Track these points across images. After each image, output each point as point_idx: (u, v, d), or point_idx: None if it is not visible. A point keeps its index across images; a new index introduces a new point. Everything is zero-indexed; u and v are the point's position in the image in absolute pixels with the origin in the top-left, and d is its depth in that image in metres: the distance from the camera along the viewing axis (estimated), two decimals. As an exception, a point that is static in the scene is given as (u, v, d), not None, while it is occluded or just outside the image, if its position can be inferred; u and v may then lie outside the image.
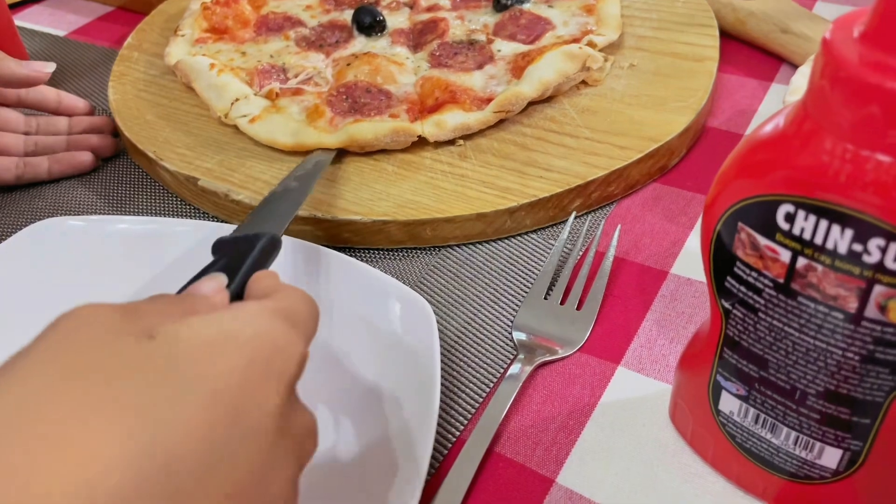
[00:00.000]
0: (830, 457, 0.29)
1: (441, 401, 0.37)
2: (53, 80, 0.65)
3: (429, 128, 0.49)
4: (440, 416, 0.37)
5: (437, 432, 0.36)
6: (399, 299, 0.39)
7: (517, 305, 0.42)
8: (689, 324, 0.41)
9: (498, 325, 0.41)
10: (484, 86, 0.53)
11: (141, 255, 0.43)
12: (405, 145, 0.49)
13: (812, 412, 0.28)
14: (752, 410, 0.31)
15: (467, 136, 0.50)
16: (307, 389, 0.37)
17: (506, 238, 0.47)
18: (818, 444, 0.29)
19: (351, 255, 0.45)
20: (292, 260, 0.41)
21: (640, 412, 0.37)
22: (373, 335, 0.38)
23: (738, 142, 0.54)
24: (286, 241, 0.42)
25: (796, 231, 0.25)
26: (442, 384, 0.38)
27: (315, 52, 0.58)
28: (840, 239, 0.24)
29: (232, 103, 0.52)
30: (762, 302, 0.27)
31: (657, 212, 0.48)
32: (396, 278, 0.44)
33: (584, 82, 0.55)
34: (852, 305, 0.25)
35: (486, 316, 0.42)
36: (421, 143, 0.50)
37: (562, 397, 0.38)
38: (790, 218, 0.25)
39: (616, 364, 0.39)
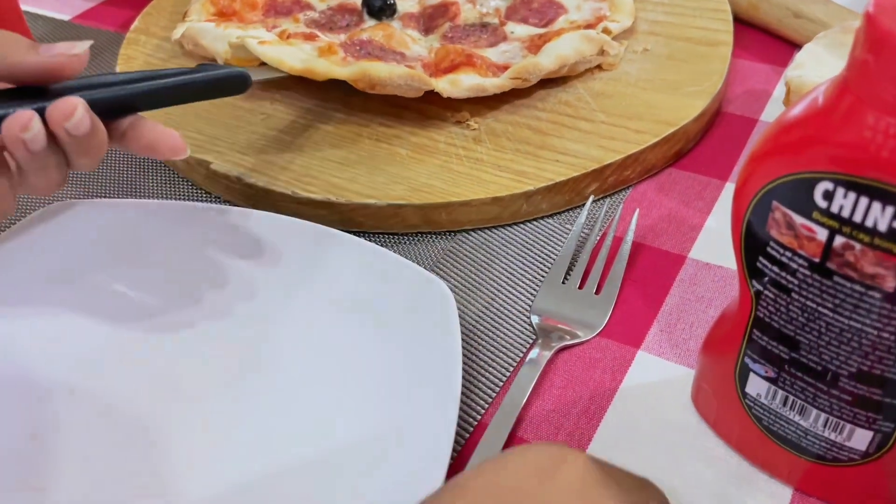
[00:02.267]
0: (860, 439, 0.29)
1: (462, 384, 0.37)
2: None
3: (443, 84, 0.48)
4: (461, 401, 0.36)
5: (459, 416, 0.36)
6: (417, 282, 0.38)
7: (535, 290, 0.42)
8: (710, 308, 0.41)
9: (516, 309, 0.41)
10: (499, 59, 0.52)
11: (152, 238, 0.42)
12: (417, 94, 0.48)
13: (843, 394, 0.28)
14: (780, 393, 0.30)
15: (482, 119, 0.50)
16: (331, 374, 0.37)
17: (522, 222, 0.46)
18: (848, 426, 0.29)
19: (366, 240, 0.45)
20: (308, 244, 0.41)
21: (662, 396, 0.37)
22: (392, 319, 0.38)
23: (753, 127, 0.54)
24: (300, 224, 0.41)
25: (835, 209, 0.25)
26: (463, 368, 0.38)
27: (326, 33, 0.58)
28: (881, 216, 0.24)
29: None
30: (796, 282, 0.27)
31: (674, 196, 0.48)
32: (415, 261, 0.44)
33: (598, 67, 0.54)
34: (890, 284, 0.25)
35: (504, 300, 0.42)
36: (433, 126, 0.49)
37: (582, 382, 0.37)
38: (829, 196, 0.24)
39: (636, 348, 0.39)
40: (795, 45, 0.60)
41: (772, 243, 0.27)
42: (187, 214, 0.43)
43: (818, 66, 0.50)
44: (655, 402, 0.36)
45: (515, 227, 0.46)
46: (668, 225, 0.46)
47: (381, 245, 0.45)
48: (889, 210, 0.23)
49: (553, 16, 0.57)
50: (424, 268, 0.43)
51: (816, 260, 0.26)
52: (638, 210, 0.45)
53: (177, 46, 0.59)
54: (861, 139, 0.23)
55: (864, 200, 0.24)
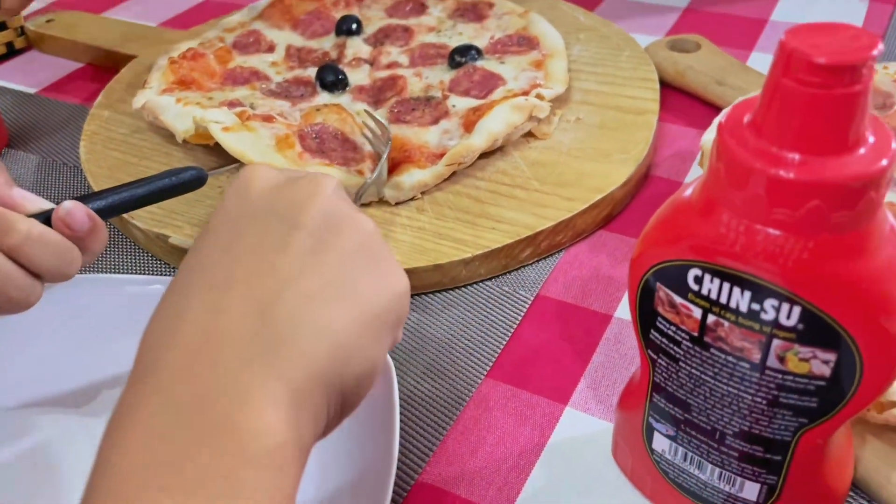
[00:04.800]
0: (751, 490, 0.32)
1: (400, 445, 0.40)
2: (26, 140, 0.67)
3: (389, 191, 0.52)
4: (399, 460, 0.39)
5: (397, 475, 0.38)
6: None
7: (473, 351, 0.45)
8: (631, 365, 0.44)
9: (456, 368, 0.44)
10: (438, 141, 0.56)
11: (116, 313, 0.45)
12: (371, 199, 0.52)
13: (731, 450, 0.32)
14: (680, 449, 0.34)
15: (425, 191, 0.53)
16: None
17: (462, 286, 0.50)
18: (739, 479, 0.32)
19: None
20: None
21: (587, 451, 0.40)
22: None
23: (678, 188, 0.58)
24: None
25: (704, 292, 0.28)
26: (402, 429, 0.41)
27: (281, 101, 0.61)
28: (741, 299, 0.27)
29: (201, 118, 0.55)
30: (681, 352, 0.31)
31: (603, 257, 0.51)
32: (359, 328, 0.47)
33: (534, 136, 0.58)
34: (756, 356, 0.28)
35: (445, 361, 0.45)
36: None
37: (514, 437, 0.40)
38: (698, 280, 0.28)
39: (564, 405, 0.42)
40: (720, 110, 0.64)
41: (659, 318, 0.31)
42: (150, 290, 0.46)
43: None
44: (580, 456, 0.39)
45: (456, 290, 0.49)
46: (597, 285, 0.49)
47: (331, 311, 0.48)
48: (747, 294, 0.27)
49: (492, 87, 0.61)
50: (370, 332, 0.46)
51: (695, 334, 0.30)
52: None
53: (138, 120, 0.62)
54: (719, 234, 0.27)
55: (726, 285, 0.27)
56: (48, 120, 0.69)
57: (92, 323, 0.45)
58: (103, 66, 0.76)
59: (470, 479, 0.39)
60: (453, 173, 0.55)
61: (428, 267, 0.48)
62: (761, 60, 0.71)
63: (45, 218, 0.37)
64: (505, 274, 0.50)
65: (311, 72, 0.65)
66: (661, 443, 0.34)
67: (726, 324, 0.28)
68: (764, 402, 0.29)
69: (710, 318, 0.29)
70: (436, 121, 0.58)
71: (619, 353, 0.45)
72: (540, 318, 0.47)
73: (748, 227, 0.26)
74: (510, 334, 0.46)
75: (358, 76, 0.65)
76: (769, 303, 0.27)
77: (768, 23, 0.77)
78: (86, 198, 0.39)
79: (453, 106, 0.60)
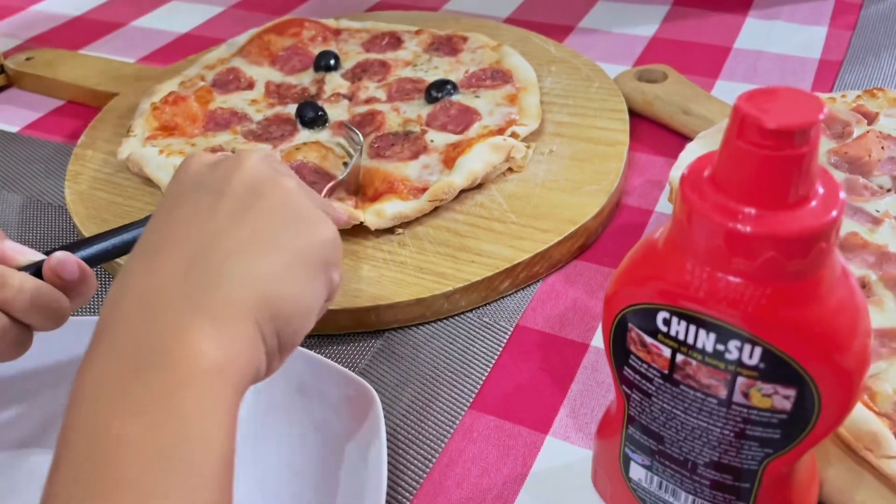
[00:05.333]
0: (722, 515, 0.34)
1: (388, 479, 0.41)
2: (9, 180, 0.67)
3: (370, 217, 0.54)
4: (388, 494, 0.41)
5: (386, 510, 0.40)
6: (346, 386, 0.43)
7: (456, 383, 0.47)
8: (609, 393, 0.46)
9: (441, 399, 0.46)
10: (419, 175, 0.58)
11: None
12: (348, 226, 0.54)
13: (703, 479, 0.33)
14: (655, 478, 0.35)
15: (406, 225, 0.55)
16: (263, 476, 0.41)
17: (443, 319, 0.51)
18: (711, 505, 0.34)
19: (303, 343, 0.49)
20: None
21: (567, 479, 0.41)
22: (321, 423, 0.42)
23: (649, 217, 0.60)
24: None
25: (672, 333, 0.30)
26: (389, 460, 0.42)
27: (262, 143, 0.63)
28: (706, 341, 0.29)
29: None
30: (653, 388, 0.32)
31: (579, 287, 0.53)
32: (344, 361, 0.48)
33: (510, 169, 0.60)
34: (722, 393, 0.30)
35: (429, 394, 0.46)
36: (364, 232, 0.55)
37: (497, 469, 0.42)
38: (667, 322, 0.30)
39: (545, 434, 0.44)
40: (687, 138, 0.67)
41: (632, 356, 0.32)
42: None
43: (698, 166, 0.57)
44: (561, 485, 0.41)
45: (438, 323, 0.51)
46: (574, 314, 0.51)
47: (319, 345, 0.50)
48: (712, 336, 0.29)
49: (469, 122, 0.63)
50: (359, 365, 0.48)
51: (666, 372, 0.31)
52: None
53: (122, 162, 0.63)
54: (683, 280, 0.29)
55: (692, 327, 0.29)
56: (31, 159, 0.69)
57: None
58: (84, 103, 0.77)
59: (456, 511, 0.40)
60: (435, 208, 0.56)
61: (410, 301, 0.49)
62: (726, 88, 0.73)
63: (36, 269, 0.38)
64: (485, 305, 0.52)
65: (291, 108, 0.66)
66: (637, 472, 0.36)
67: (694, 363, 0.30)
68: (731, 434, 0.31)
69: (679, 358, 0.30)
70: (415, 155, 0.60)
71: (596, 381, 0.47)
72: (520, 348, 0.49)
73: (710, 274, 0.28)
74: (492, 365, 0.48)
75: (337, 111, 0.66)
76: (732, 344, 0.29)
77: (732, 50, 0.80)
78: (74, 246, 0.40)
79: (432, 141, 0.61)
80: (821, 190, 0.27)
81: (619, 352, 0.33)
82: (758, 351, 0.28)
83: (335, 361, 0.48)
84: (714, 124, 0.63)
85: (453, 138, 0.61)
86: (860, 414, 0.38)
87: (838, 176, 0.54)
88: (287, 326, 0.33)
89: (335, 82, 0.70)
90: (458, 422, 0.44)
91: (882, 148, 0.56)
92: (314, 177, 0.57)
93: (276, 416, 0.43)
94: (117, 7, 0.98)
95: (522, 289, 0.53)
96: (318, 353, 0.48)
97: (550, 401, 0.45)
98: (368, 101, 0.67)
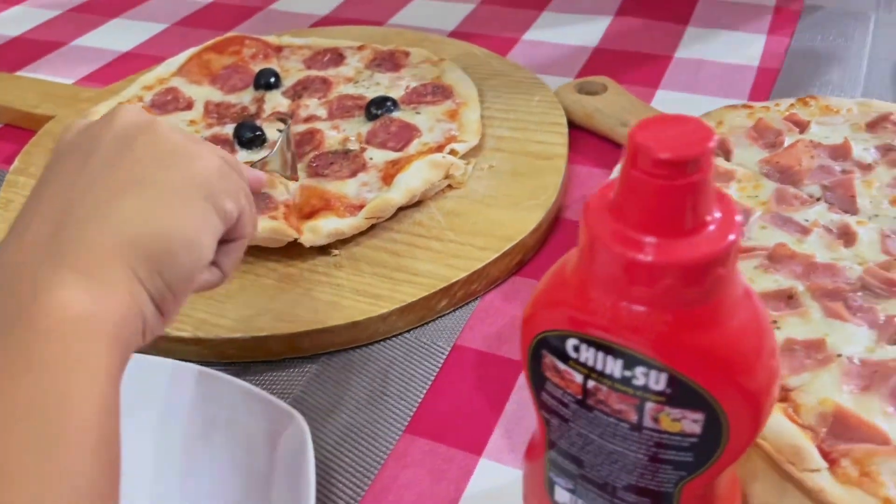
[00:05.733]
0: (645, 537, 0.34)
1: (322, 500, 0.41)
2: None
3: (305, 234, 0.53)
4: (319, 524, 0.40)
5: (316, 541, 0.39)
6: (274, 415, 0.42)
7: (392, 406, 0.46)
8: (543, 412, 0.46)
9: (375, 426, 0.45)
10: (357, 193, 0.57)
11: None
12: (280, 244, 0.53)
13: (623, 501, 0.33)
14: (580, 501, 0.35)
15: (342, 245, 0.55)
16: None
17: (381, 340, 0.51)
18: (633, 527, 0.34)
19: (236, 368, 0.48)
20: (169, 383, 0.44)
21: (501, 502, 0.41)
22: (249, 452, 0.42)
23: (589, 230, 0.61)
24: (165, 364, 0.44)
25: (583, 359, 0.30)
26: (320, 487, 0.42)
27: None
28: (614, 367, 0.29)
29: None
30: (570, 413, 0.32)
31: (517, 304, 0.53)
32: (278, 387, 0.48)
33: (449, 185, 0.60)
34: (633, 418, 0.30)
35: (364, 419, 0.46)
36: (299, 255, 0.54)
37: (430, 495, 0.42)
38: (577, 349, 0.30)
39: (479, 456, 0.44)
40: (627, 149, 0.67)
41: (548, 382, 0.32)
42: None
43: (633, 180, 0.57)
44: (494, 507, 0.41)
45: (375, 345, 0.51)
46: (512, 332, 0.51)
47: (252, 372, 0.49)
48: (619, 362, 0.29)
49: (409, 139, 0.63)
50: (293, 391, 0.47)
51: (580, 397, 0.31)
52: (483, 322, 0.51)
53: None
54: (589, 308, 0.29)
55: (600, 354, 0.29)
56: (-38, 186, 0.68)
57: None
58: (21, 126, 0.75)
59: (387, 539, 0.40)
60: (372, 227, 0.56)
61: (345, 325, 0.49)
62: (666, 98, 0.74)
63: None
64: (423, 325, 0.52)
65: (230, 128, 0.65)
66: (562, 495, 0.36)
67: (604, 389, 0.30)
68: (645, 458, 0.31)
69: (591, 384, 0.30)
70: (354, 173, 0.60)
71: (530, 401, 0.46)
72: (457, 368, 0.49)
73: (613, 302, 0.28)
74: (428, 387, 0.48)
75: (276, 131, 0.66)
76: (639, 370, 0.29)
77: (673, 59, 0.80)
78: None
79: (371, 158, 0.61)
80: (718, 215, 0.27)
81: (536, 376, 0.33)
82: (663, 377, 0.28)
83: (269, 388, 0.48)
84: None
85: (393, 155, 0.61)
86: (783, 427, 0.39)
87: (769, 186, 0.55)
88: (170, 265, 0.32)
89: (276, 100, 0.70)
90: (391, 447, 0.44)
91: (812, 157, 0.57)
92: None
93: (203, 445, 0.43)
94: (58, 26, 0.96)
95: (461, 307, 0.53)
96: (251, 380, 0.47)
97: (485, 422, 0.45)
98: (308, 119, 0.67)
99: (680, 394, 0.29)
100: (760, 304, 0.30)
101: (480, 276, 0.53)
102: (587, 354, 0.30)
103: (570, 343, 0.30)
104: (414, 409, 0.46)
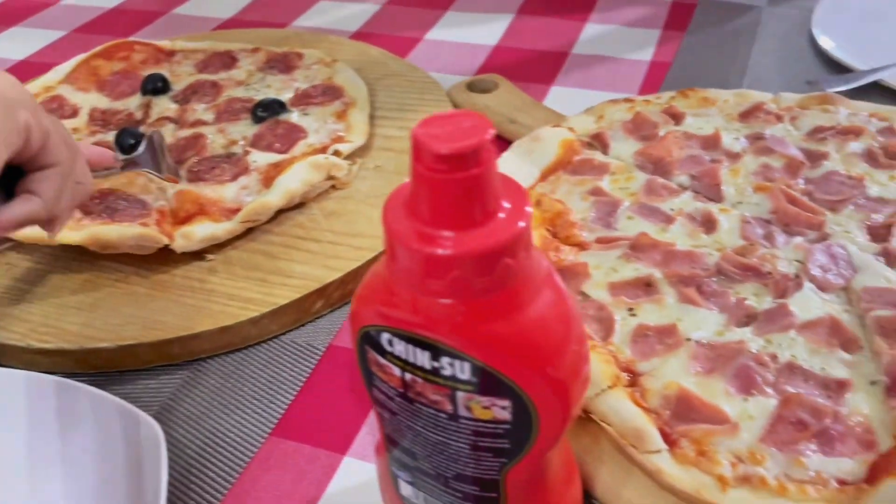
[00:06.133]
0: (482, 526, 0.35)
1: (174, 516, 0.40)
2: None
3: (178, 240, 0.53)
4: (173, 531, 0.40)
5: (169, 548, 0.39)
6: (130, 422, 0.41)
7: (261, 410, 0.46)
8: (410, 408, 0.46)
9: (241, 430, 0.45)
10: (235, 197, 0.57)
11: None
12: (151, 251, 0.53)
13: (456, 491, 0.34)
14: (420, 493, 0.36)
15: (218, 250, 0.54)
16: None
17: (255, 344, 0.51)
18: (470, 517, 0.35)
19: (105, 378, 0.48)
20: (23, 393, 0.43)
21: (360, 499, 0.41)
22: (104, 461, 0.41)
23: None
24: (17, 375, 0.44)
25: (397, 353, 0.30)
26: (178, 493, 0.41)
27: (83, 173, 0.61)
28: (424, 359, 0.30)
29: None
30: (396, 407, 0.33)
31: (396, 302, 0.53)
32: (148, 396, 0.47)
33: (334, 186, 0.60)
34: (449, 408, 0.31)
35: (231, 424, 0.46)
36: (173, 261, 0.53)
37: (290, 495, 0.42)
38: (391, 343, 0.30)
39: (343, 455, 0.44)
40: (516, 146, 0.68)
41: (375, 377, 0.33)
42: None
43: (508, 174, 0.58)
44: (354, 504, 0.41)
45: (249, 349, 0.50)
46: (388, 330, 0.51)
47: (121, 381, 0.48)
48: (426, 353, 0.29)
49: (294, 141, 0.63)
50: (162, 399, 0.47)
51: (401, 390, 0.32)
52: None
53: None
54: (393, 303, 0.29)
55: (410, 347, 0.30)
56: None
57: None
58: None
59: (242, 542, 0.40)
60: (251, 230, 0.56)
61: (215, 330, 0.49)
62: (559, 94, 0.75)
63: None
64: (299, 327, 0.52)
65: (114, 135, 0.64)
66: (405, 489, 0.36)
67: (419, 380, 0.31)
68: (467, 446, 0.32)
69: (408, 376, 0.31)
70: (235, 177, 0.59)
71: (399, 397, 0.47)
72: (331, 369, 0.49)
73: (413, 295, 0.28)
74: (298, 389, 0.47)
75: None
76: (445, 360, 0.29)
77: (570, 56, 0.82)
78: None
79: (254, 161, 0.61)
80: (507, 205, 0.28)
81: (366, 372, 0.33)
82: (467, 366, 0.29)
83: (137, 397, 0.47)
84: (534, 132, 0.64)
85: (276, 158, 0.61)
86: (627, 411, 0.40)
87: (641, 178, 0.56)
88: None
89: (163, 105, 0.69)
90: (255, 450, 0.44)
91: (682, 148, 0.58)
92: (120, 204, 0.55)
93: (56, 453, 0.42)
94: (-47, 35, 0.94)
95: (338, 308, 0.53)
96: (119, 389, 0.47)
97: (353, 420, 0.45)
98: (194, 123, 0.66)
99: (485, 382, 0.29)
100: (566, 293, 0.30)
101: (357, 277, 0.53)
102: (400, 348, 0.30)
103: (385, 337, 0.30)
104: (282, 412, 0.46)
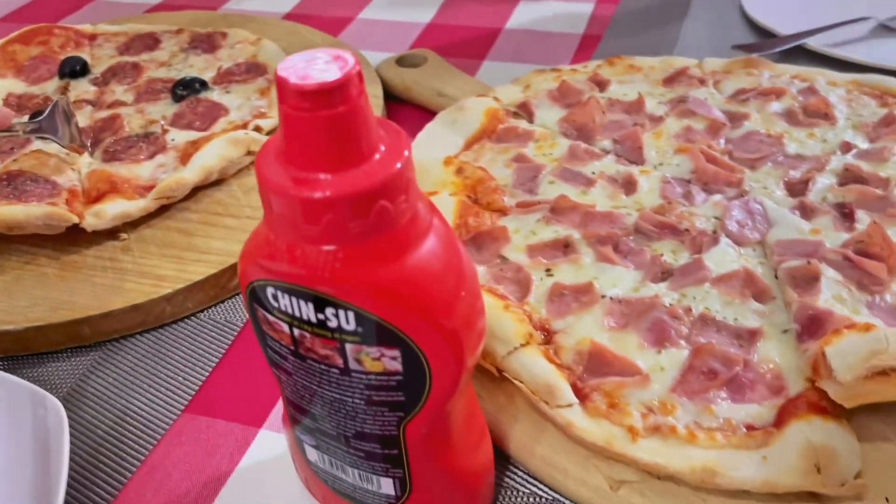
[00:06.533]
0: (388, 486, 0.34)
1: (75, 497, 0.39)
2: None
3: (89, 218, 0.51)
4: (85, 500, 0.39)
5: (71, 528, 0.38)
6: (33, 400, 0.40)
7: (174, 387, 0.45)
8: (328, 378, 0.45)
9: (152, 409, 0.44)
10: (151, 175, 0.56)
11: None
12: (60, 230, 0.51)
13: (357, 451, 0.33)
14: (325, 456, 0.35)
15: (132, 229, 0.53)
16: None
17: (171, 323, 0.49)
18: (374, 477, 0.34)
19: (15, 361, 0.46)
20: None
21: (273, 470, 0.40)
22: (11, 443, 0.39)
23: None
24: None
25: (283, 308, 0.29)
26: (84, 472, 0.40)
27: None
28: (308, 311, 0.29)
29: None
30: (290, 366, 0.32)
31: (318, 276, 0.52)
32: (58, 377, 0.46)
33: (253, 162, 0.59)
34: (339, 362, 0.30)
35: (142, 403, 0.44)
36: (84, 240, 0.52)
37: (201, 470, 0.41)
38: (276, 298, 0.29)
39: (258, 428, 0.43)
40: (445, 119, 0.67)
41: (268, 337, 0.32)
42: None
43: (432, 144, 0.57)
44: (266, 477, 0.40)
45: (165, 328, 0.49)
46: (310, 304, 0.50)
47: (30, 365, 0.47)
48: (310, 305, 0.29)
49: (215, 118, 0.61)
50: (73, 381, 0.45)
51: (292, 348, 0.31)
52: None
53: None
54: (273, 254, 0.28)
55: (294, 300, 0.29)
56: None
57: None
58: None
59: (149, 519, 0.38)
60: (167, 208, 0.54)
61: (126, 308, 0.47)
62: (491, 68, 0.75)
63: None
64: (217, 304, 0.50)
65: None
66: (312, 453, 0.36)
67: (308, 335, 0.30)
68: (362, 402, 0.31)
69: (296, 332, 0.30)
70: (152, 156, 0.58)
71: (318, 369, 0.46)
72: (248, 345, 0.48)
73: (290, 245, 0.28)
74: (214, 365, 0.46)
75: (79, 119, 0.63)
76: (329, 311, 0.28)
77: (503, 31, 0.81)
78: None
79: (172, 140, 0.59)
80: (383, 148, 0.27)
81: (259, 333, 0.32)
82: (351, 315, 0.28)
83: (47, 379, 0.46)
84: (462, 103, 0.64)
85: (196, 136, 0.59)
86: (539, 368, 0.39)
87: (564, 144, 0.56)
88: None
89: (82, 88, 0.67)
90: (166, 428, 0.43)
91: (604, 113, 0.58)
92: (31, 185, 0.53)
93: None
94: None
95: (258, 283, 0.52)
96: (29, 372, 0.45)
97: (269, 394, 0.44)
98: (112, 105, 0.64)
99: (371, 332, 0.28)
100: (455, 242, 0.30)
101: (277, 250, 0.52)
102: (285, 302, 0.29)
103: (270, 292, 0.29)
104: (196, 389, 0.45)
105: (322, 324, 0.29)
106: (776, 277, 0.44)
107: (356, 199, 0.26)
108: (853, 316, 0.40)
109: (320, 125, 0.26)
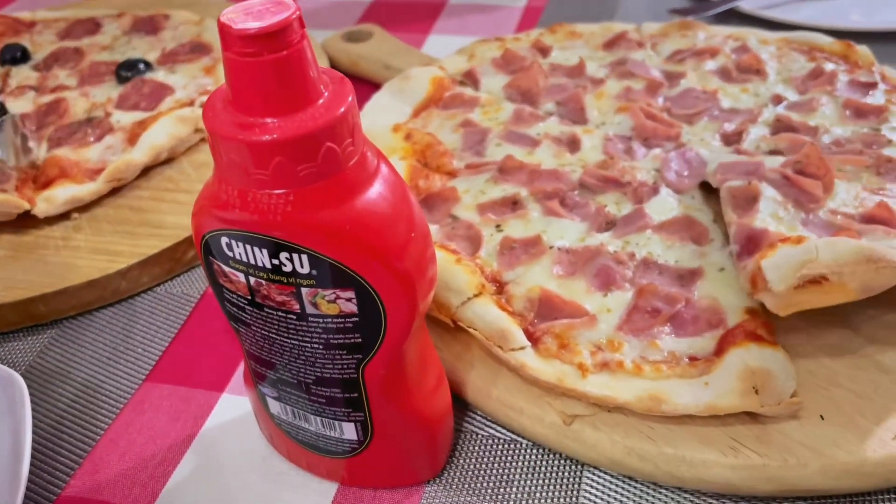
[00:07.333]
0: (350, 431, 0.35)
1: (40, 466, 0.39)
2: None
3: (40, 204, 0.51)
4: (39, 479, 0.39)
5: (35, 495, 0.38)
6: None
7: (134, 359, 0.45)
8: (288, 342, 0.46)
9: (113, 380, 0.44)
10: (100, 157, 0.55)
11: None
12: (10, 217, 0.51)
13: (319, 397, 0.34)
14: (287, 407, 0.36)
15: (83, 209, 0.53)
16: None
17: (129, 298, 0.49)
18: (336, 423, 0.35)
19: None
20: None
21: (237, 431, 0.41)
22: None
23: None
24: None
25: (238, 256, 0.30)
26: (48, 444, 0.40)
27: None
28: (262, 258, 0.30)
29: None
30: (248, 317, 0.33)
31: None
32: (14, 356, 0.46)
33: (203, 139, 0.59)
34: (296, 307, 0.31)
35: (103, 376, 0.44)
36: (34, 222, 0.52)
37: (165, 434, 0.41)
38: (230, 247, 0.30)
39: (221, 392, 0.43)
40: (393, 92, 0.68)
41: (224, 289, 0.32)
42: None
43: (380, 112, 0.58)
44: (231, 437, 0.41)
45: (122, 303, 0.49)
46: (266, 273, 0.51)
47: (-16, 347, 0.46)
48: (264, 251, 0.29)
49: (160, 98, 0.61)
50: (30, 358, 0.45)
51: (249, 297, 0.32)
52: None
53: None
54: (225, 204, 0.29)
55: (248, 247, 0.30)
56: None
57: None
58: None
59: (115, 483, 0.39)
60: (119, 188, 0.54)
61: (81, 285, 0.47)
62: (436, 42, 0.76)
63: None
64: (173, 278, 0.51)
65: (-32, 107, 0.61)
66: (274, 406, 0.36)
67: (264, 282, 0.31)
68: (320, 346, 0.32)
69: (252, 280, 0.31)
70: (100, 138, 0.57)
71: (277, 333, 0.46)
72: (206, 315, 0.48)
73: (241, 192, 0.28)
74: (173, 336, 0.47)
75: (21, 104, 0.62)
76: (283, 256, 0.29)
77: (447, 6, 0.82)
78: None
79: (118, 122, 0.59)
80: (327, 94, 0.28)
81: (215, 286, 0.33)
82: (305, 258, 0.29)
83: (3, 358, 0.45)
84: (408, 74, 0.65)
85: (142, 116, 0.59)
86: (493, 316, 0.40)
87: (509, 108, 0.57)
88: None
89: (23, 75, 0.66)
90: (128, 398, 0.43)
91: (547, 77, 0.60)
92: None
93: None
94: None
95: (214, 256, 0.52)
96: (-25, 352, 0.45)
97: (230, 358, 0.45)
98: (55, 89, 0.63)
99: (325, 275, 0.29)
100: (403, 187, 0.31)
101: (231, 222, 0.52)
102: (240, 250, 0.30)
103: (224, 242, 0.30)
104: (156, 360, 0.45)
105: (277, 269, 0.30)
106: (714, 221, 0.46)
107: (303, 141, 0.27)
108: (789, 233, 0.42)
109: (265, 69, 0.26)
